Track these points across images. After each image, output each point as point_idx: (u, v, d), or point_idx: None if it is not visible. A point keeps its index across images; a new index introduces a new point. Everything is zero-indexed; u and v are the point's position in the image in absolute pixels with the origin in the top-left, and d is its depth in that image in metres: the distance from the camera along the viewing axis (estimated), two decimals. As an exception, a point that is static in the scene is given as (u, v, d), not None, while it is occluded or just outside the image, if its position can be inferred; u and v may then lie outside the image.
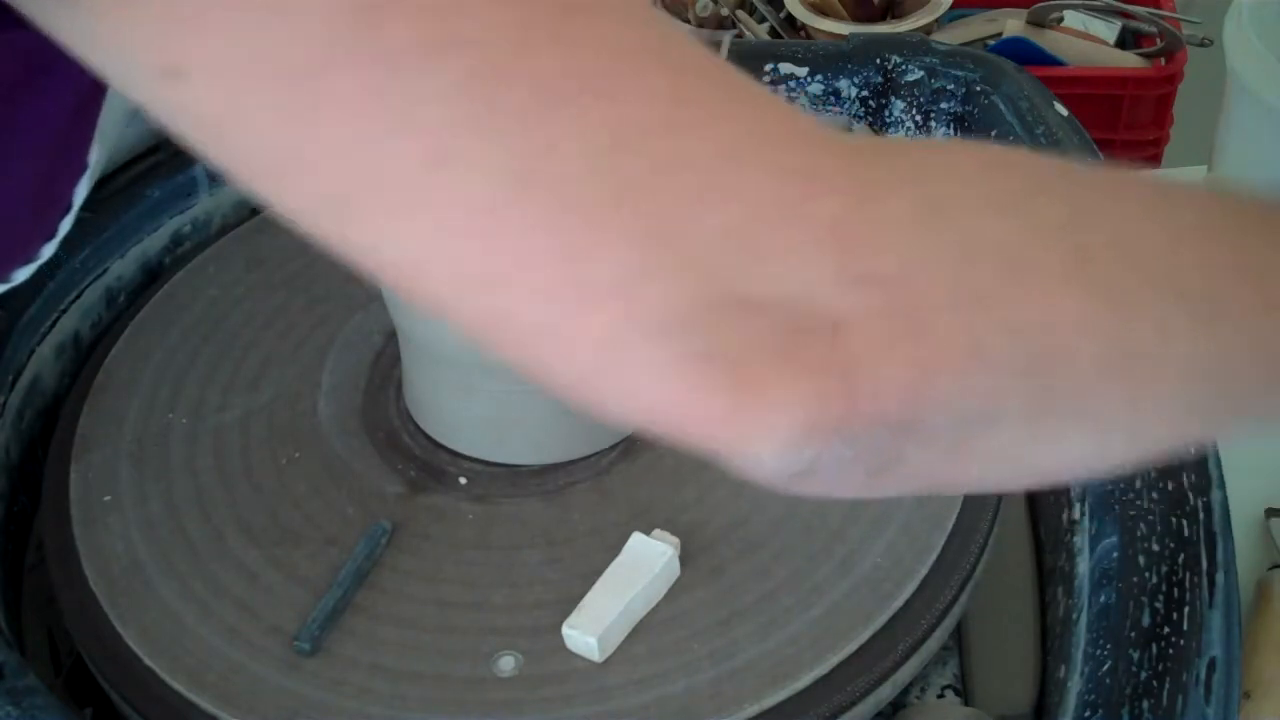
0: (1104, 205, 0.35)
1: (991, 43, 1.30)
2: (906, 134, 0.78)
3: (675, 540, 0.52)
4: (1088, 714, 0.46)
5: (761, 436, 0.31)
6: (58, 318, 0.66)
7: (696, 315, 0.30)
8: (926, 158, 0.34)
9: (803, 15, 1.29)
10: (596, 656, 0.50)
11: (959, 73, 0.77)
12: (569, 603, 0.51)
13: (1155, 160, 1.27)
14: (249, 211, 0.73)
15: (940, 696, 0.55)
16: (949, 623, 0.53)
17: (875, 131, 0.79)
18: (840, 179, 0.32)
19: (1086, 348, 0.33)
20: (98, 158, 0.47)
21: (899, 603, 0.52)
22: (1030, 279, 0.32)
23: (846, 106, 0.79)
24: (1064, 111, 0.74)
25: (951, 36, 1.32)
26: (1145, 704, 0.45)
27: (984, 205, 0.33)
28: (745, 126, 0.32)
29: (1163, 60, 1.24)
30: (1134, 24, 1.28)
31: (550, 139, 0.29)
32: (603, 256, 0.30)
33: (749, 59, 0.79)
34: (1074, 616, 0.51)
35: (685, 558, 0.53)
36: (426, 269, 0.31)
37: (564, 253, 0.30)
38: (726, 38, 0.79)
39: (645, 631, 0.51)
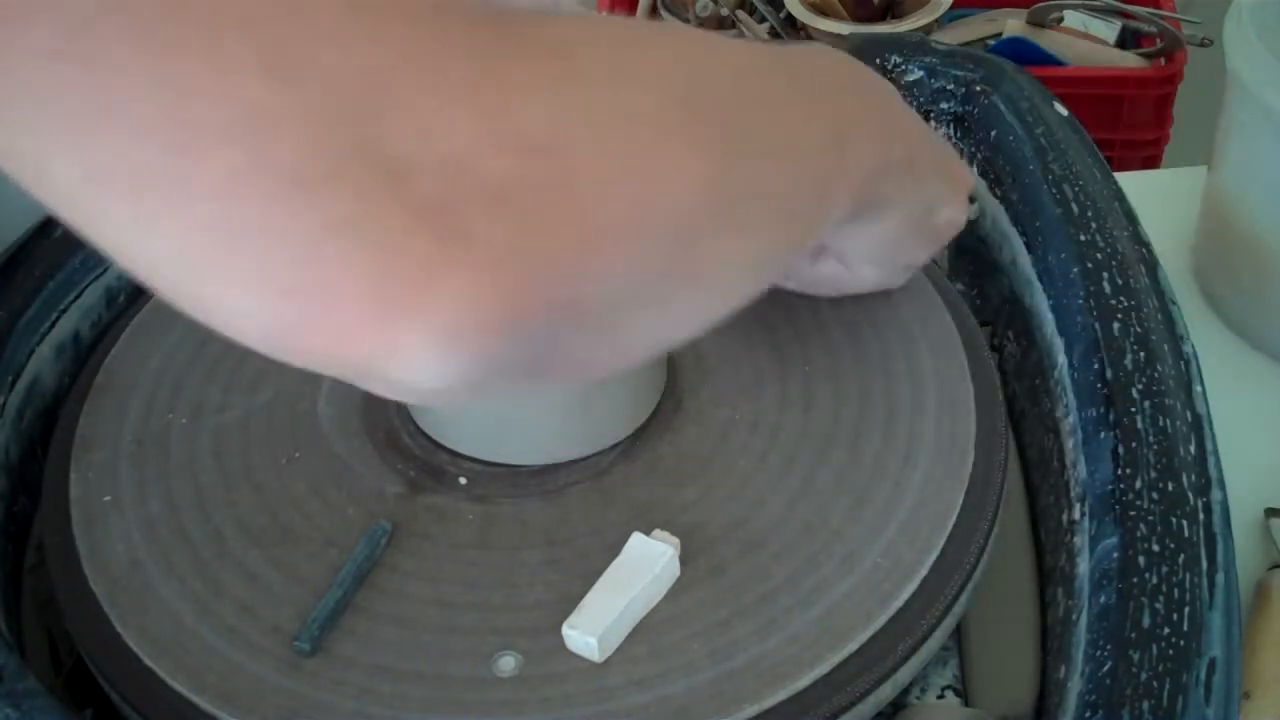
0: (708, 67, 0.36)
1: (991, 43, 1.30)
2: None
3: (675, 540, 0.52)
4: (1088, 714, 0.46)
5: (422, 327, 0.27)
6: (58, 318, 0.66)
7: (330, 174, 0.26)
8: (557, 29, 0.32)
9: (803, 15, 1.29)
10: (596, 656, 0.50)
11: (959, 73, 0.77)
12: (569, 603, 0.51)
13: (1155, 160, 1.27)
14: (249, 211, 0.73)
15: (940, 697, 0.55)
16: (949, 623, 0.53)
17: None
18: (474, 40, 0.29)
19: (713, 210, 0.33)
20: None
21: (899, 603, 0.52)
22: (664, 147, 0.32)
23: (846, 106, 0.79)
24: (1064, 111, 0.74)
25: (951, 36, 1.32)
26: (1146, 704, 0.45)
27: (614, 75, 0.32)
28: None
29: (1163, 60, 1.25)
30: (1134, 24, 1.28)
31: None
32: (218, 88, 0.25)
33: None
34: (1074, 617, 0.51)
35: (685, 558, 0.53)
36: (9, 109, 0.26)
37: (167, 85, 0.25)
38: (726, 38, 0.79)
39: (645, 631, 0.51)
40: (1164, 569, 0.49)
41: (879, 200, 0.50)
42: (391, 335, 0.27)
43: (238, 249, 0.26)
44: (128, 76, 0.25)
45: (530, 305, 0.28)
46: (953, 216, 0.58)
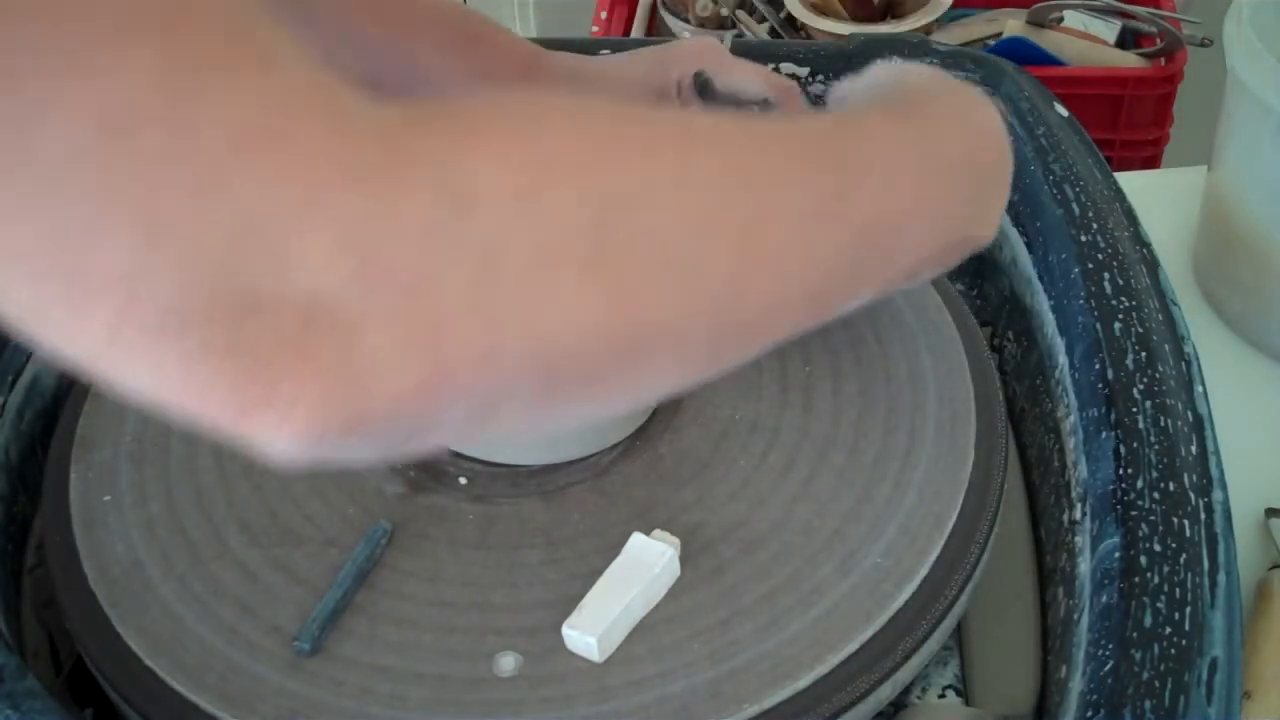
0: (638, 189, 0.35)
1: (991, 43, 1.30)
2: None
3: (675, 540, 0.52)
4: (1090, 714, 0.46)
5: (273, 434, 0.31)
6: (57, 317, 0.65)
7: (201, 312, 0.29)
8: (460, 141, 0.32)
9: (803, 15, 1.29)
10: (596, 656, 0.50)
11: (959, 73, 0.77)
12: (569, 603, 0.51)
13: (1155, 160, 1.27)
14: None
15: (941, 696, 0.55)
16: (949, 623, 0.53)
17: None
18: (363, 170, 0.30)
19: (595, 343, 0.34)
20: None
21: (899, 603, 0.52)
22: (549, 278, 0.33)
23: (847, 106, 0.79)
24: (1064, 112, 0.74)
25: (951, 36, 1.32)
26: (1148, 704, 0.45)
27: (508, 199, 0.32)
28: (261, 100, 0.30)
29: (1163, 60, 1.25)
30: (1134, 24, 1.28)
31: (42, 118, 0.28)
32: (101, 248, 0.29)
33: (750, 59, 0.79)
34: (1075, 617, 0.51)
35: (685, 558, 0.53)
36: None
37: (60, 242, 0.29)
38: (727, 38, 0.79)
39: (645, 632, 0.51)
40: (1165, 569, 0.49)
41: (932, 271, 0.50)
42: (253, 431, 0.31)
43: (127, 369, 0.30)
44: (12, 236, 0.29)
45: (372, 416, 0.31)
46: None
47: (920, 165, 0.45)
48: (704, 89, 0.67)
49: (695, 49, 0.69)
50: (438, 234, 0.31)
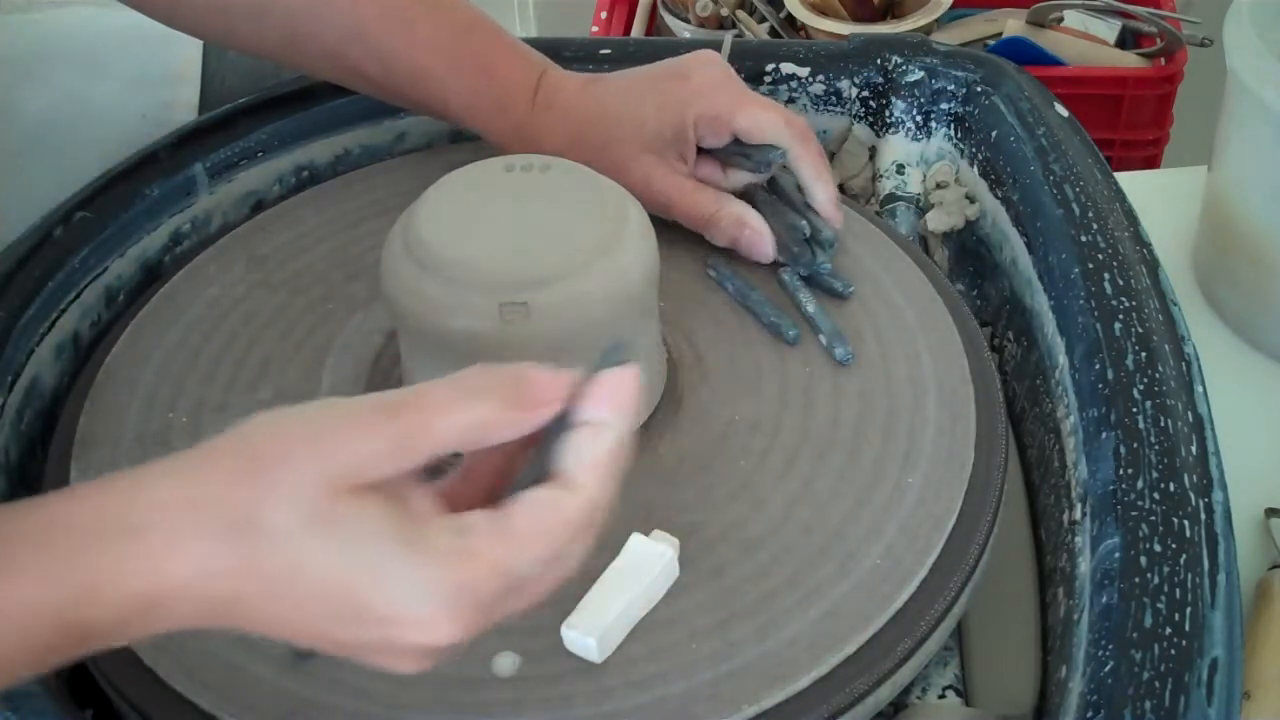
0: None
1: (991, 43, 1.30)
2: (907, 134, 0.78)
3: (675, 541, 0.52)
4: (1090, 714, 0.46)
5: None
6: (57, 317, 0.65)
7: None
8: None
9: (803, 15, 1.29)
10: (595, 657, 0.50)
11: (959, 73, 0.77)
12: (568, 603, 0.50)
13: (1155, 160, 1.27)
14: (249, 210, 0.73)
15: (941, 697, 0.55)
16: (949, 624, 0.53)
17: (876, 134, 0.79)
18: None
19: None
20: None
21: (899, 603, 0.52)
22: None
23: (848, 107, 0.79)
24: (1064, 112, 0.74)
25: (951, 36, 1.32)
26: (1148, 704, 0.45)
27: None
28: None
29: (1163, 60, 1.25)
30: (1134, 24, 1.28)
31: None
32: None
33: (750, 59, 0.79)
34: (1075, 617, 0.51)
35: (685, 558, 0.53)
36: None
37: None
38: (727, 38, 0.79)
39: (644, 632, 0.51)
40: (1166, 569, 0.49)
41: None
42: None
43: None
44: None
45: None
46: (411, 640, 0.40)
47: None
48: (773, 186, 0.68)
49: (709, 84, 0.66)
50: None
